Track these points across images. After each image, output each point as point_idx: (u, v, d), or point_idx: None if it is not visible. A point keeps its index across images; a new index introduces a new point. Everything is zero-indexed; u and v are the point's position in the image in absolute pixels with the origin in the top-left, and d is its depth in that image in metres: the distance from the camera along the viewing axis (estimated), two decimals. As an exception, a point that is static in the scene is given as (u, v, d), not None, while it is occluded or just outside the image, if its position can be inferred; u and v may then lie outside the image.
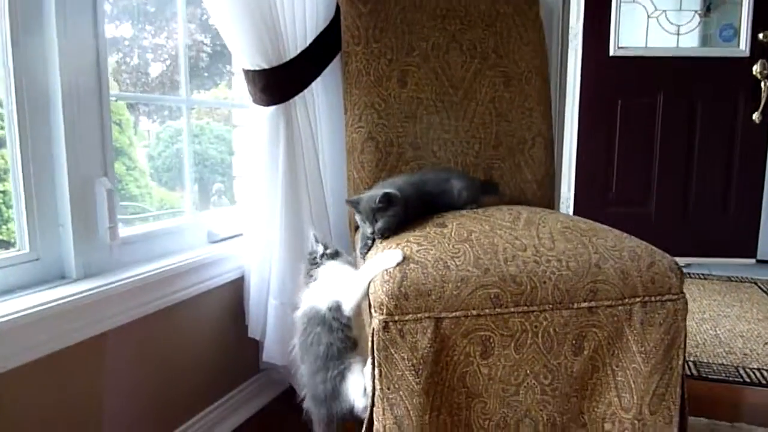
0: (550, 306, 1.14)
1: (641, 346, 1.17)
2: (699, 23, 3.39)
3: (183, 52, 1.67)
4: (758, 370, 2.10)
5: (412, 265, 1.11)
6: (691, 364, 2.15)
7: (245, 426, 1.73)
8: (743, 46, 3.26)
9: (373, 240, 1.31)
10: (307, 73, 1.67)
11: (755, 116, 3.28)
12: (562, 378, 1.16)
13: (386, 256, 1.13)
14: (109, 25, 1.61)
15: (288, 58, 1.60)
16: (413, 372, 1.08)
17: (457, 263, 1.12)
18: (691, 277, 3.23)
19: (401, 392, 1.08)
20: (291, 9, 1.60)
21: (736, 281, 3.22)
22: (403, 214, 1.28)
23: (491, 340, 1.13)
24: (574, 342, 1.16)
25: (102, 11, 1.31)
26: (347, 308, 1.17)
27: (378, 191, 1.27)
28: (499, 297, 1.11)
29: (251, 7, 1.45)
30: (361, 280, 1.15)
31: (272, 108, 1.59)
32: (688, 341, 1.30)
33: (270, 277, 1.63)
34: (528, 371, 1.15)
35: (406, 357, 1.08)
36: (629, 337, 1.17)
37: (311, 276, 1.27)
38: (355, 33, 1.65)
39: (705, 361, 2.19)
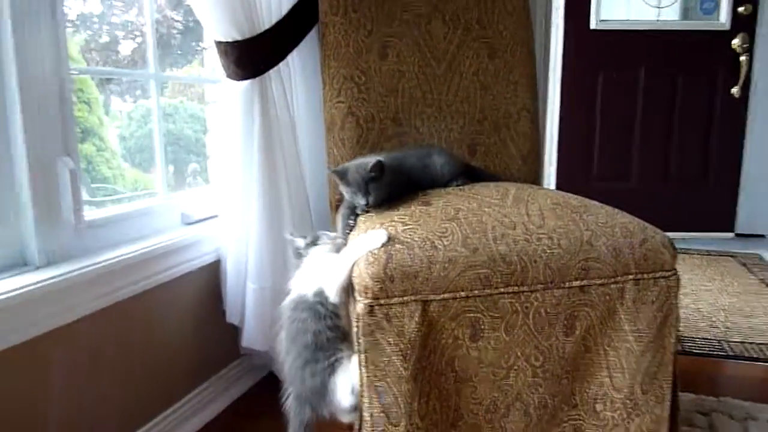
0: (542, 286, 1.09)
1: (634, 325, 1.13)
2: (680, -5, 3.36)
3: (151, 24, 1.57)
4: (741, 343, 2.11)
5: (397, 246, 1.06)
6: (674, 339, 2.14)
7: (226, 412, 1.68)
8: (724, 19, 3.24)
9: (355, 220, 1.26)
10: (283, 45, 1.59)
11: (734, 90, 3.28)
12: (553, 359, 1.13)
13: (370, 236, 1.08)
14: (76, 2, 1.51)
15: (262, 29, 1.52)
16: (401, 357, 1.03)
17: (445, 243, 1.07)
18: (671, 252, 3.23)
19: (389, 379, 1.03)
20: (264, -23, 1.51)
21: (715, 255, 3.24)
22: (394, 185, 1.21)
23: (481, 323, 1.08)
24: (565, 322, 1.12)
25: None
26: (331, 293, 1.10)
27: (368, 159, 1.20)
28: (488, 277, 1.07)
29: (221, -26, 1.37)
30: (344, 262, 1.09)
31: (246, 83, 1.52)
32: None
33: (247, 261, 1.57)
34: (519, 353, 1.11)
35: (393, 342, 1.03)
36: (621, 316, 1.13)
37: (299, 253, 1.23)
38: (333, 2, 1.56)
39: (688, 335, 2.18)
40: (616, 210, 1.24)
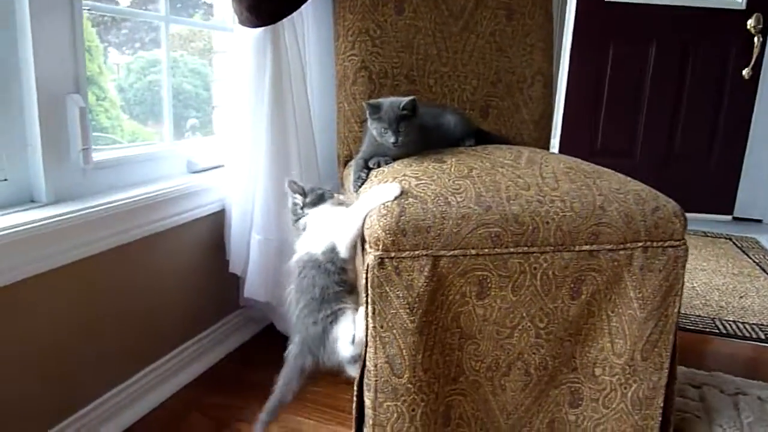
0: (551, 248, 1.09)
1: (639, 292, 1.14)
2: (698, -30, 3.30)
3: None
4: (734, 322, 2.13)
5: (410, 200, 1.05)
6: (669, 314, 2.16)
7: (225, 361, 1.69)
8: (740, -2, 3.20)
9: (368, 174, 1.24)
10: (298, -8, 1.55)
11: (745, 72, 3.24)
12: (557, 322, 1.14)
13: (383, 188, 1.07)
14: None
15: (278, -25, 1.48)
16: (408, 311, 1.04)
17: (458, 200, 1.06)
18: (668, 231, 3.24)
19: (394, 331, 1.04)
20: None
21: (712, 236, 3.26)
22: (420, 132, 1.20)
23: (488, 281, 1.09)
24: (572, 285, 1.12)
25: None
26: (342, 248, 1.10)
27: (401, 98, 1.17)
28: (499, 236, 1.06)
29: None
30: (356, 215, 1.08)
31: (259, 30, 1.48)
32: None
33: (253, 211, 1.56)
34: (524, 314, 1.12)
35: (401, 295, 1.03)
36: (627, 283, 1.14)
37: (298, 228, 1.19)
38: (351, -50, 1.52)
39: (682, 312, 2.21)
40: (629, 178, 1.23)
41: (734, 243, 3.15)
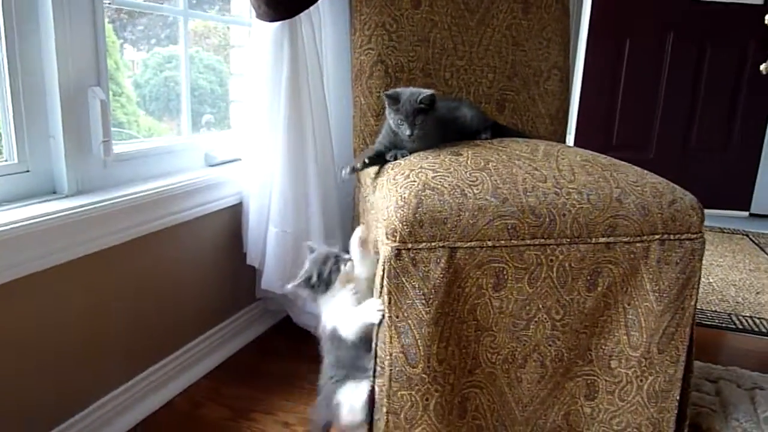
0: (568, 240, 1.10)
1: (655, 285, 1.14)
2: (716, -36, 3.26)
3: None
4: (750, 317, 2.12)
5: (427, 192, 1.06)
6: (684, 309, 2.15)
7: (241, 353, 1.71)
8: (759, -8, 3.16)
9: (383, 165, 1.25)
10: (315, -13, 1.56)
11: (763, 67, 3.19)
12: (573, 314, 1.14)
13: (369, 309, 1.09)
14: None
15: (295, -31, 1.49)
16: (423, 302, 1.05)
17: (475, 192, 1.07)
18: (684, 227, 3.21)
19: (410, 321, 1.05)
20: None
21: (728, 233, 3.23)
22: (436, 126, 1.21)
23: (505, 273, 1.09)
24: (588, 278, 1.12)
25: None
26: (346, 333, 1.14)
27: (421, 90, 1.19)
28: (516, 228, 1.07)
29: None
30: (353, 320, 1.12)
31: (276, 25, 1.49)
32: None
33: (270, 204, 1.57)
34: (540, 306, 1.12)
35: (417, 286, 1.04)
36: (644, 275, 1.14)
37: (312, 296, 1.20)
38: (368, -55, 1.53)
39: (699, 307, 2.19)
40: (646, 171, 1.23)
41: (751, 239, 3.12)
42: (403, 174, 1.12)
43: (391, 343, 1.06)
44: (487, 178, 1.10)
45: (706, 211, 1.19)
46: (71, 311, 1.20)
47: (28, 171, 1.17)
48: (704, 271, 2.56)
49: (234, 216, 1.64)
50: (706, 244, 1.18)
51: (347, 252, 1.21)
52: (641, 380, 1.18)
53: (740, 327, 2.04)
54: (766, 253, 2.89)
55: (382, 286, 1.05)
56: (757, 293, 2.36)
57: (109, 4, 1.37)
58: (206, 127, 1.94)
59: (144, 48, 1.76)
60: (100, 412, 1.28)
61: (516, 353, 1.15)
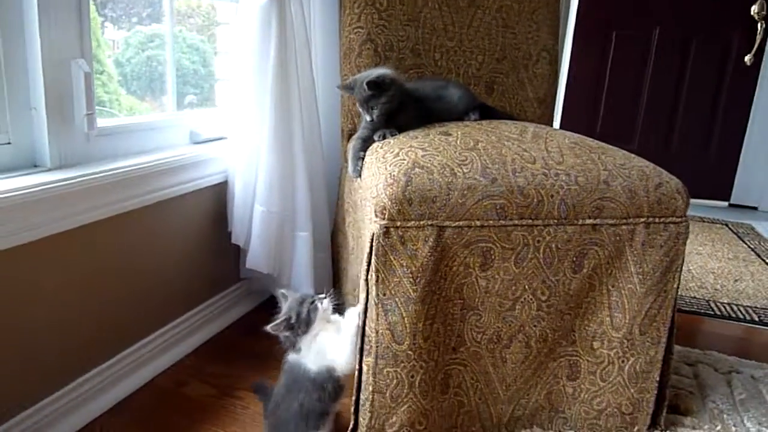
0: (555, 221, 1.10)
1: (639, 267, 1.15)
2: (703, -46, 3.28)
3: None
4: (728, 304, 2.16)
5: (417, 170, 1.05)
6: (664, 295, 2.18)
7: (225, 333, 1.70)
8: (745, -17, 3.18)
9: (365, 153, 1.24)
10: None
11: (747, 58, 3.23)
12: (558, 295, 1.15)
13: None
14: None
15: (285, -57, 1.46)
16: (411, 280, 1.05)
17: (464, 171, 1.07)
18: (665, 216, 3.26)
19: (397, 299, 1.05)
20: None
21: (708, 222, 3.28)
22: (399, 96, 1.21)
23: (492, 253, 1.10)
24: (574, 259, 1.13)
25: None
26: (343, 366, 1.14)
27: (369, 71, 1.19)
28: (504, 208, 1.07)
29: None
30: (347, 342, 1.13)
31: (264, 1, 1.47)
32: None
33: (256, 183, 1.56)
34: (526, 286, 1.13)
35: (404, 264, 1.04)
36: (629, 258, 1.15)
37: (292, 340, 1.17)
38: None
39: (679, 293, 2.22)
40: (633, 154, 1.24)
41: (730, 228, 3.17)
42: (392, 152, 1.11)
43: (377, 320, 1.06)
44: (477, 158, 1.10)
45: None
46: (50, 287, 1.18)
47: (9, 143, 1.15)
48: (684, 259, 2.60)
49: (219, 194, 1.62)
50: (687, 232, 1.20)
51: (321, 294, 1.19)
52: (623, 361, 1.20)
53: (718, 313, 2.08)
54: (744, 242, 2.94)
55: (369, 264, 1.05)
56: (735, 281, 2.40)
57: (94, -27, 1.33)
58: (189, 107, 1.91)
59: (125, 26, 1.73)
60: (82, 389, 1.27)
61: (501, 333, 1.16)
